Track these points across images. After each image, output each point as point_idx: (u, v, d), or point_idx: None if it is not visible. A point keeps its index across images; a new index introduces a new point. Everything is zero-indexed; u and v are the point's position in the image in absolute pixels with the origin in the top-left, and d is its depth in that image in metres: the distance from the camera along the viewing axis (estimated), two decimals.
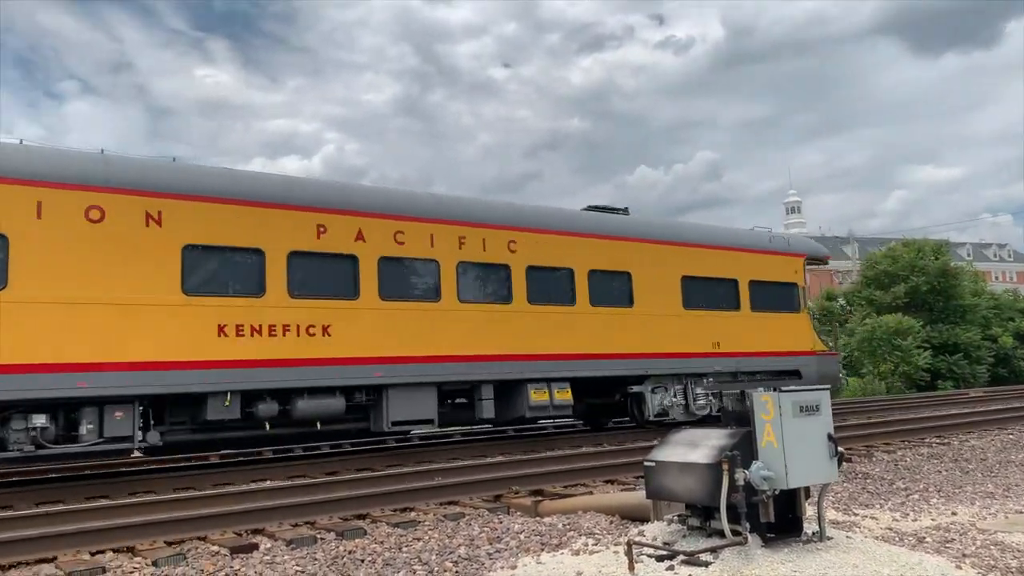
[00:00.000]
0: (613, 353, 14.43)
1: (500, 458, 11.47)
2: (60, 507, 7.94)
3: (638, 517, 6.77)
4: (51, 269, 9.68)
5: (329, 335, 11.49)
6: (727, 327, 16.11)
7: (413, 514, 7.71)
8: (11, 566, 6.03)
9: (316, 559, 6.06)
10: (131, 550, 6.45)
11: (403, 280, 12.49)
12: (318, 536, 6.75)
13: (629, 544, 5.20)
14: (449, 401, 13.59)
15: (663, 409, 15.05)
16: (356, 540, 6.65)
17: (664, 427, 14.12)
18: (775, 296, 17.12)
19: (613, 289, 14.78)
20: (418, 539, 6.65)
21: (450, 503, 8.21)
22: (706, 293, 16.06)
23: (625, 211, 16.65)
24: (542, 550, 6.08)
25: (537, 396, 13.40)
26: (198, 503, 7.81)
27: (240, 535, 6.90)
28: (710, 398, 15.52)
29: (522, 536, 6.58)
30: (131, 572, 5.81)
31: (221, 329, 10.69)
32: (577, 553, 5.78)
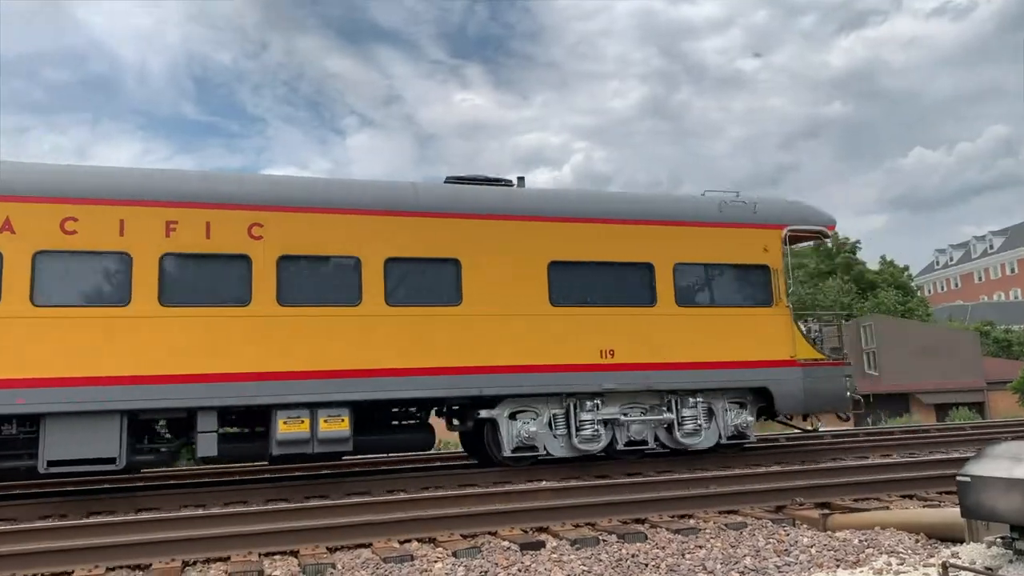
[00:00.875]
0: (423, 368, 10.94)
1: (776, 468, 10.97)
2: (367, 499, 8.85)
3: (949, 537, 6.11)
4: None
5: None
6: (632, 330, 11.95)
7: (692, 521, 7.61)
8: (335, 549, 6.84)
9: (600, 560, 6.19)
10: (432, 541, 7.03)
11: (74, 280, 9.87)
12: (600, 537, 6.89)
13: (944, 566, 4.73)
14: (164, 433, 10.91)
15: (526, 441, 11.44)
16: (637, 544, 6.70)
17: (536, 466, 11.62)
18: (727, 284, 12.81)
19: (429, 283, 11.39)
20: (700, 546, 6.54)
21: (729, 512, 7.99)
22: (594, 284, 12.06)
23: (509, 183, 12.80)
24: (837, 566, 5.72)
25: (288, 427, 10.30)
26: (488, 499, 8.34)
27: (526, 532, 7.25)
28: (600, 427, 11.66)
29: (813, 551, 6.23)
30: (435, 561, 6.33)
31: None
32: (879, 572, 5.36)
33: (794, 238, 13.59)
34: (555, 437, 11.63)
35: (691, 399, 12.24)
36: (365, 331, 10.77)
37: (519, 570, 5.97)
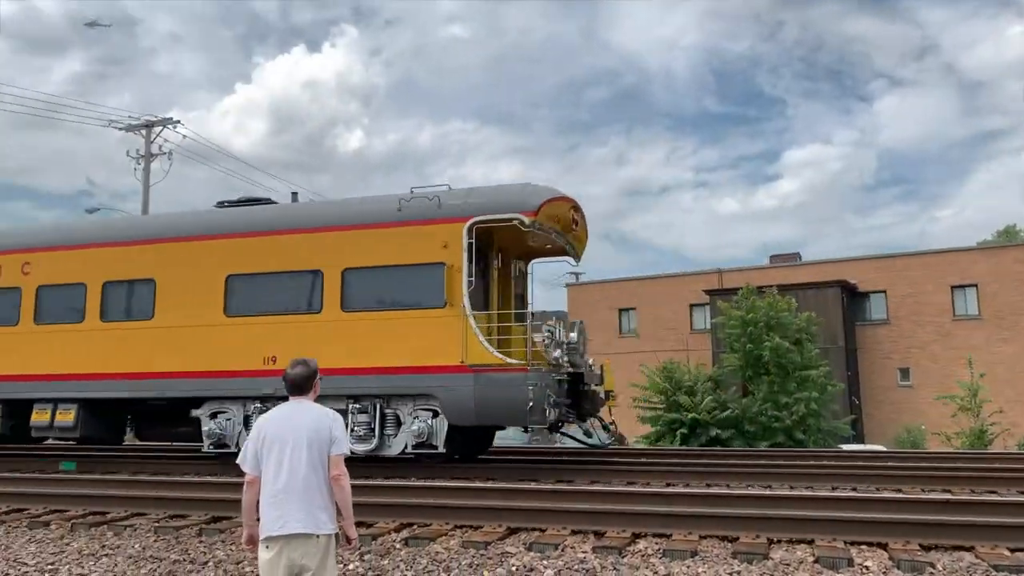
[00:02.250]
0: (124, 372, 12.95)
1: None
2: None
3: None
4: None
5: None
6: (296, 337, 12.04)
7: None
8: (929, 548, 6.30)
9: None
10: None
11: None
12: None
13: None
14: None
15: (220, 439, 12.33)
16: None
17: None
18: (400, 287, 12.03)
19: (133, 301, 13.42)
20: None
21: None
22: (265, 293, 12.50)
23: (268, 201, 14.23)
24: None
25: (38, 416, 13.35)
26: None
27: None
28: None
29: None
30: None
31: None
32: None
33: (484, 230, 11.76)
34: (243, 435, 12.02)
35: (365, 404, 11.74)
36: (88, 343, 13.27)
37: None
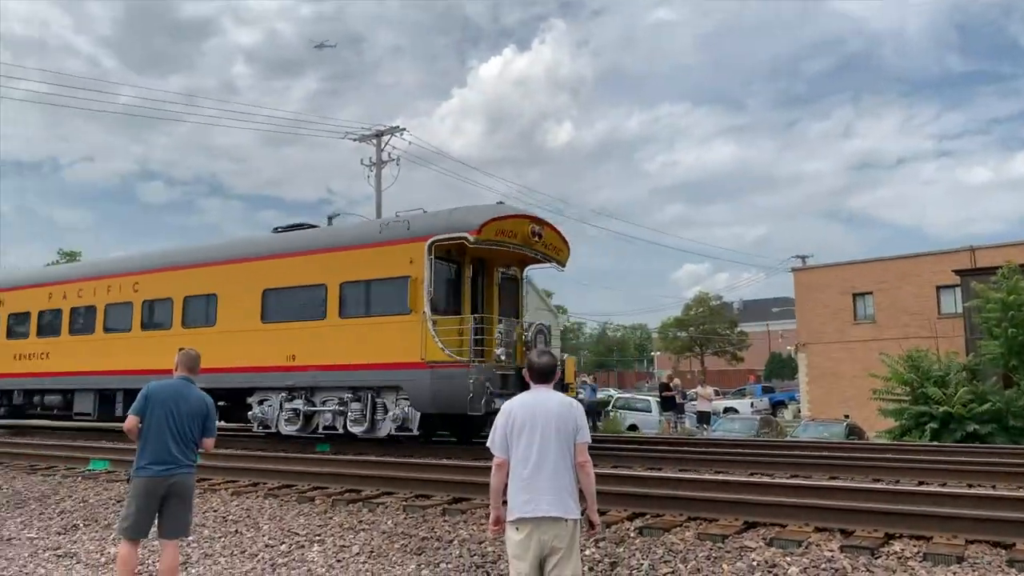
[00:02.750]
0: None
1: None
2: None
3: None
4: None
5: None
6: (309, 339, 14.80)
7: None
8: None
9: None
10: None
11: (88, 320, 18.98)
12: None
13: None
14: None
15: (264, 422, 15.38)
16: None
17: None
18: (379, 297, 14.23)
19: (202, 310, 16.60)
20: None
21: None
22: (287, 304, 15.32)
23: (311, 226, 17.10)
24: None
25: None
26: None
27: None
28: (293, 414, 14.93)
29: None
30: None
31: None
32: None
33: (441, 246, 13.69)
34: (285, 420, 15.00)
35: (359, 394, 14.26)
36: (173, 345, 14.52)
37: None
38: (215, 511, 9.14)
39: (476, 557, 6.91)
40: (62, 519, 9.37)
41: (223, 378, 14.97)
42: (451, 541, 7.42)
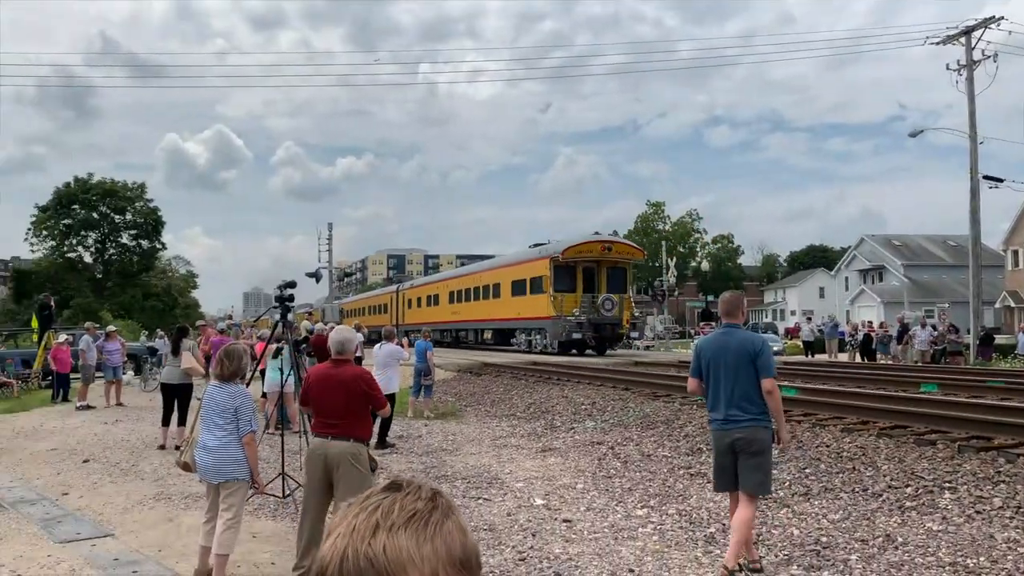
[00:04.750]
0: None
1: None
2: None
3: None
4: None
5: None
6: (492, 304, 33.87)
7: None
8: None
9: None
10: None
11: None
12: None
13: None
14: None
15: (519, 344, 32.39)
16: None
17: None
18: (531, 283, 30.24)
19: (445, 300, 39.88)
20: None
21: None
22: (517, 288, 31.50)
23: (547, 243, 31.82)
24: None
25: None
26: None
27: None
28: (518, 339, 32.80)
29: None
30: None
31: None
32: None
33: (555, 260, 29.52)
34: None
35: (530, 332, 31.89)
36: (443, 311, 40.90)
37: None
38: (827, 447, 9.16)
39: None
40: (687, 442, 10.48)
41: (501, 324, 33.55)
42: None
